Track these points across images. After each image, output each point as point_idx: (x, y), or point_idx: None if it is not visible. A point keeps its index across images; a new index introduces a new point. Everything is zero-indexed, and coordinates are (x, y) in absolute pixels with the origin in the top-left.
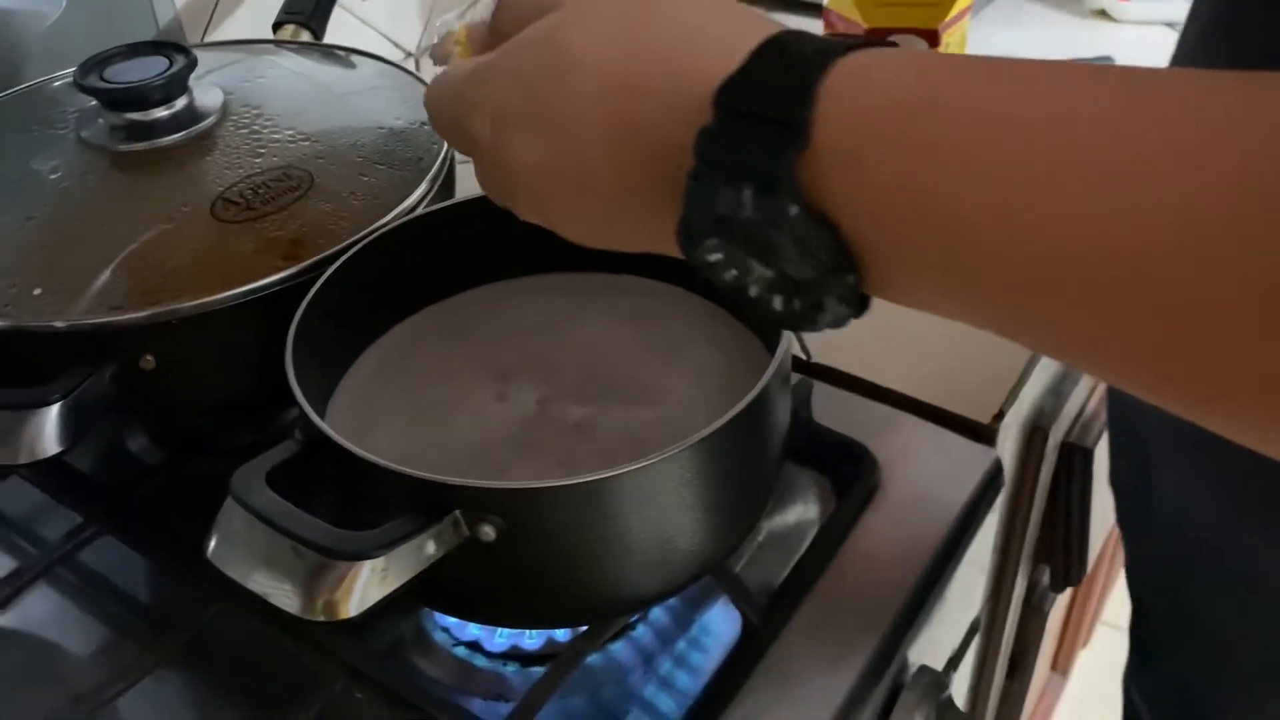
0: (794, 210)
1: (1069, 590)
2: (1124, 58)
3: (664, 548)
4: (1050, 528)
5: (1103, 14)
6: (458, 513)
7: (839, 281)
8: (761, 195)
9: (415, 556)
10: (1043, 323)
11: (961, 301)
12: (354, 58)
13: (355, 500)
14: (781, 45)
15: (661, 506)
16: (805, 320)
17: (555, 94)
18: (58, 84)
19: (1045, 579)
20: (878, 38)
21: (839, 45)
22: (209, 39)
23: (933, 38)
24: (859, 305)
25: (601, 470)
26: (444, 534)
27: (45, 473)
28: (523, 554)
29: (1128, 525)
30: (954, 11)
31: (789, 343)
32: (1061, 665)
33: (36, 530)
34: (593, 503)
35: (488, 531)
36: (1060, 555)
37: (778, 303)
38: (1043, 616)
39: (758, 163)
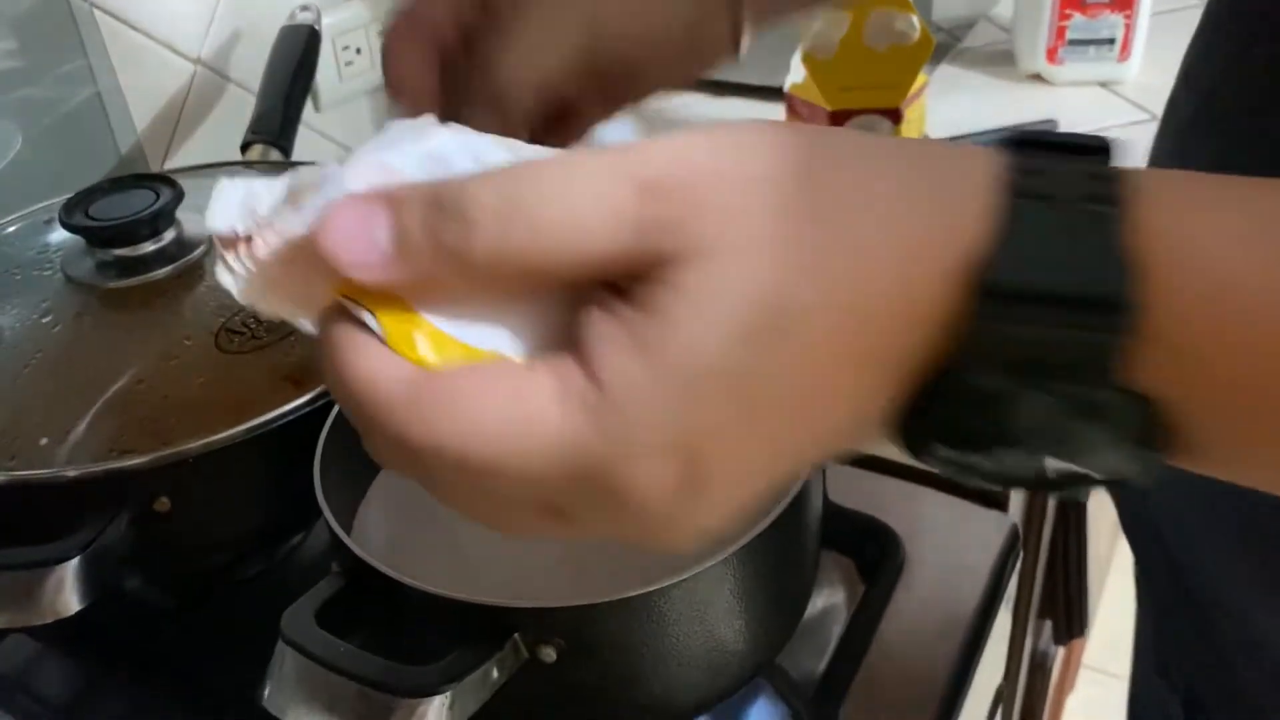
0: (1111, 400)
1: None
2: (1065, 120)
3: (719, 651)
4: (1051, 582)
5: (1037, 77)
6: (517, 635)
7: (1140, 456)
8: (1067, 389)
9: (481, 686)
10: None
11: None
12: None
13: (404, 625)
14: (1034, 195)
15: (718, 609)
16: (1074, 494)
17: (774, 382)
18: (29, 222)
19: (1046, 634)
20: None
21: (1104, 180)
22: (170, 163)
23: (895, 115)
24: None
25: (659, 580)
26: (506, 659)
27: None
28: (583, 670)
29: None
30: (913, 90)
31: None
32: (1053, 715)
33: (37, 689)
34: (651, 612)
35: (549, 652)
36: (1062, 608)
37: (1041, 482)
38: (1046, 672)
39: (1069, 358)
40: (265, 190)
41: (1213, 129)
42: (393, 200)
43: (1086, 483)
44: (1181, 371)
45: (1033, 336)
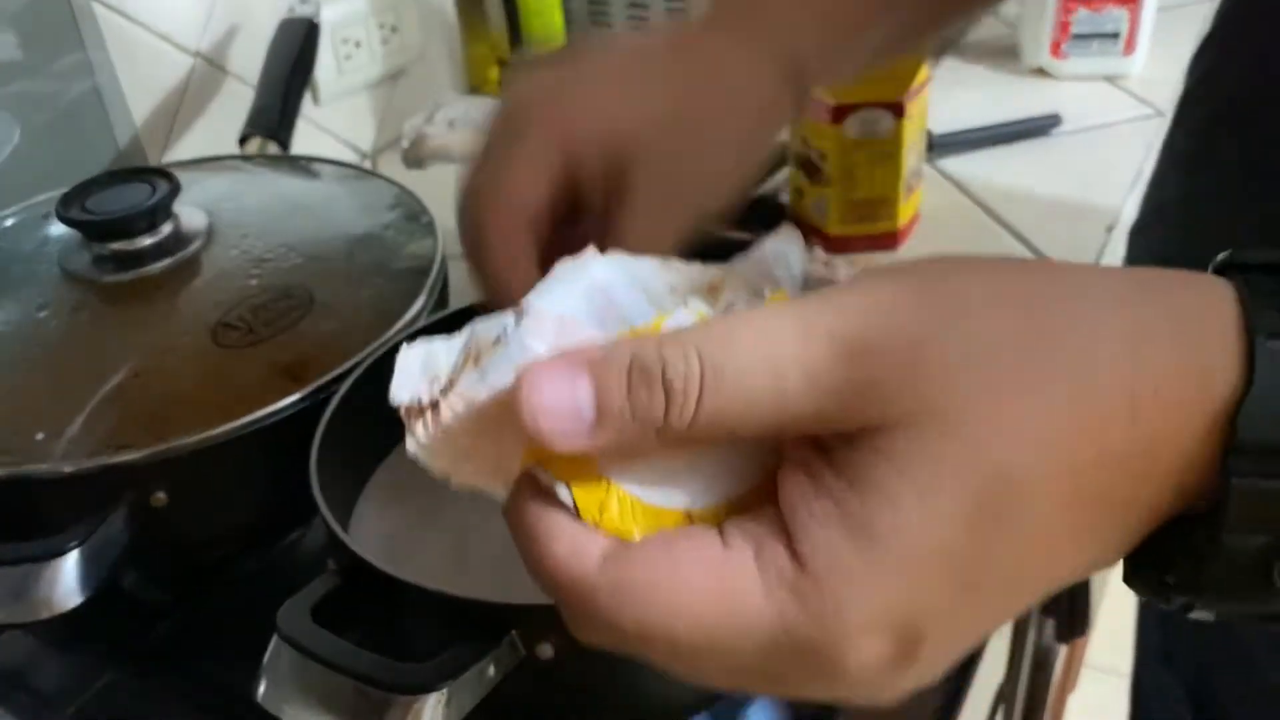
0: None
1: None
2: (1069, 114)
3: None
4: None
5: (1041, 71)
6: (514, 633)
7: None
8: None
9: (477, 683)
10: None
11: None
12: (325, 167)
13: (400, 622)
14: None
15: None
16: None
17: (997, 563)
18: (27, 216)
19: (1049, 631)
20: None
21: None
22: (168, 156)
23: (898, 109)
24: None
25: None
26: (502, 657)
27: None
28: (580, 668)
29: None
30: (916, 83)
31: None
32: (1055, 714)
33: (35, 684)
34: None
35: (546, 650)
36: (1065, 606)
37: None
38: (1048, 671)
39: None
40: (444, 351)
41: (1236, 131)
42: (594, 366)
43: None
44: None
45: None
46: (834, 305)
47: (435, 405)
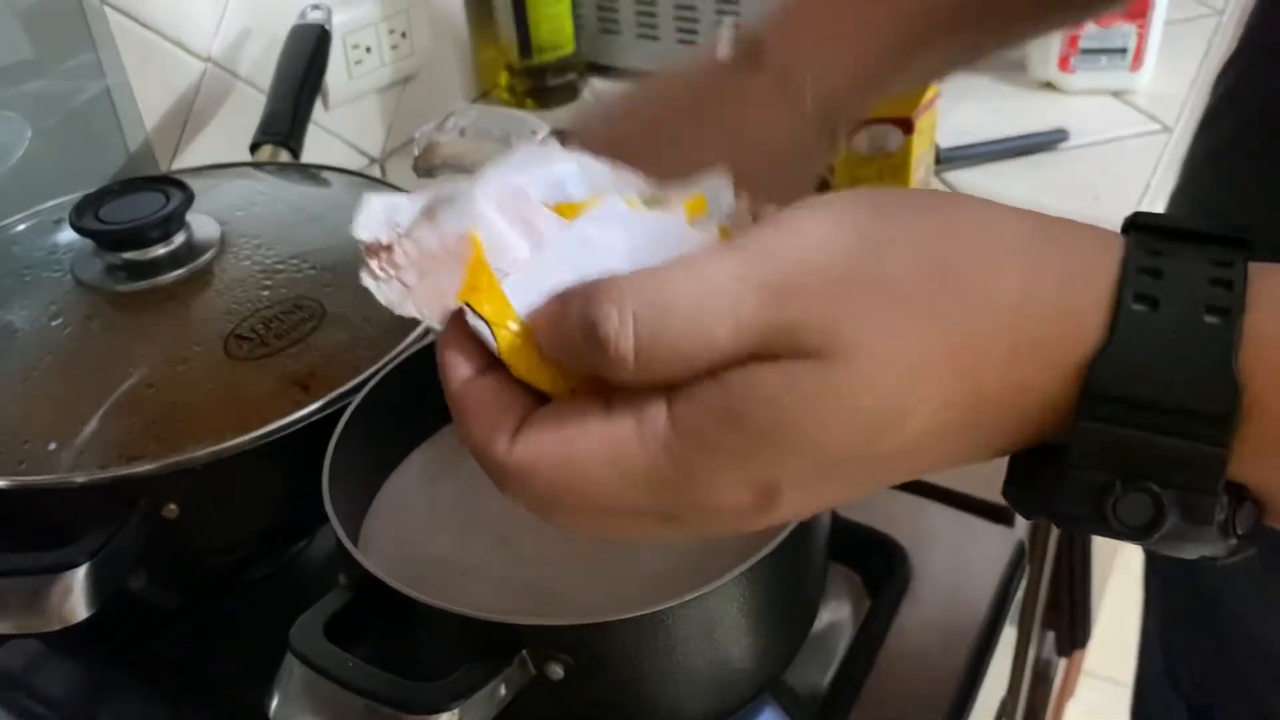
0: (1213, 502)
1: None
2: (1076, 129)
3: (726, 668)
4: (1055, 593)
5: (1048, 86)
6: (525, 652)
7: (1233, 545)
8: (1168, 492)
9: (489, 702)
10: None
11: None
12: (336, 176)
13: (411, 638)
14: (1152, 300)
15: (726, 627)
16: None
17: (868, 466)
18: (39, 221)
19: (1049, 644)
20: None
21: (1223, 286)
22: (179, 161)
23: (907, 125)
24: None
25: (668, 598)
26: (513, 676)
27: None
28: (590, 688)
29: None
30: (925, 99)
31: None
32: None
33: (43, 690)
34: (659, 631)
35: (556, 669)
36: (1066, 620)
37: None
38: (1048, 682)
39: (1174, 462)
40: (407, 205)
41: (1256, 151)
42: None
43: (1176, 552)
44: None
45: (1136, 440)
46: (767, 252)
47: (390, 247)
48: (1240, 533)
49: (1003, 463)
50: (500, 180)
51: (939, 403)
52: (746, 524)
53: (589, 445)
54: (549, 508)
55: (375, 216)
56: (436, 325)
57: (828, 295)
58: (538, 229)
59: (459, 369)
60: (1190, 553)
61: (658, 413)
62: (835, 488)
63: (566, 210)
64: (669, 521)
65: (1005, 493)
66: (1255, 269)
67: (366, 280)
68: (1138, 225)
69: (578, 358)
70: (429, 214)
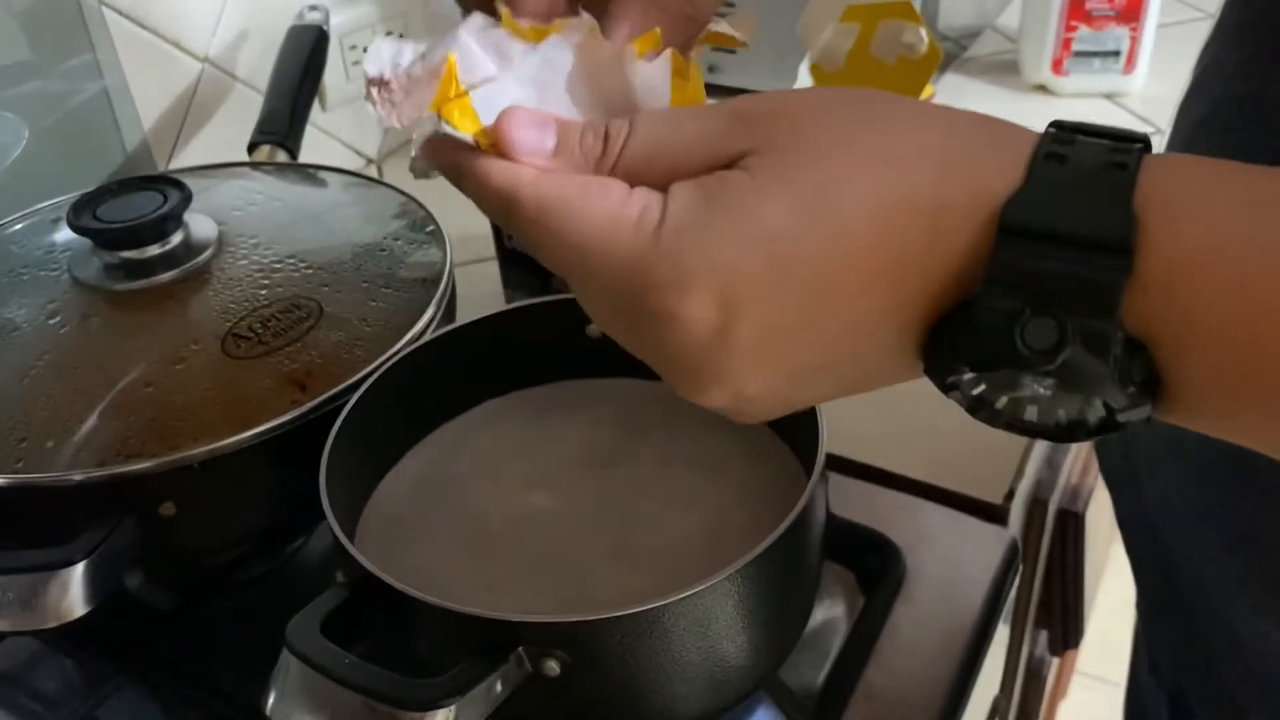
0: (1109, 333)
1: None
2: None
3: (721, 666)
4: (1048, 593)
5: (1042, 88)
6: (521, 649)
7: (1135, 407)
8: (1072, 317)
9: (485, 699)
10: None
11: (1270, 434)
12: (333, 176)
13: (408, 635)
14: (1061, 157)
15: (721, 625)
16: (1071, 435)
17: (806, 255)
18: (37, 220)
19: (1042, 643)
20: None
21: (1126, 149)
22: (176, 161)
23: None
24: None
25: (663, 596)
26: (510, 672)
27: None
28: (585, 685)
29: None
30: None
31: (825, 441)
32: None
33: (40, 688)
34: (655, 628)
35: (552, 666)
36: (1059, 619)
37: (1045, 419)
38: (1041, 681)
39: (1076, 289)
40: (410, 50)
41: (1223, 130)
42: (560, 121)
43: (1084, 429)
44: (1175, 318)
45: (1043, 269)
46: (738, 98)
47: (389, 81)
48: (1136, 380)
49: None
50: (482, 18)
51: (875, 199)
52: (696, 355)
53: (598, 205)
54: (531, 237)
55: (381, 56)
56: (419, 130)
57: (781, 112)
58: (506, 54)
59: (462, 151)
60: (1091, 393)
61: (655, 203)
62: (782, 309)
63: (534, 34)
64: (624, 319)
65: (926, 365)
66: (1150, 154)
67: (369, 107)
68: (1053, 123)
69: (574, 148)
70: (423, 57)
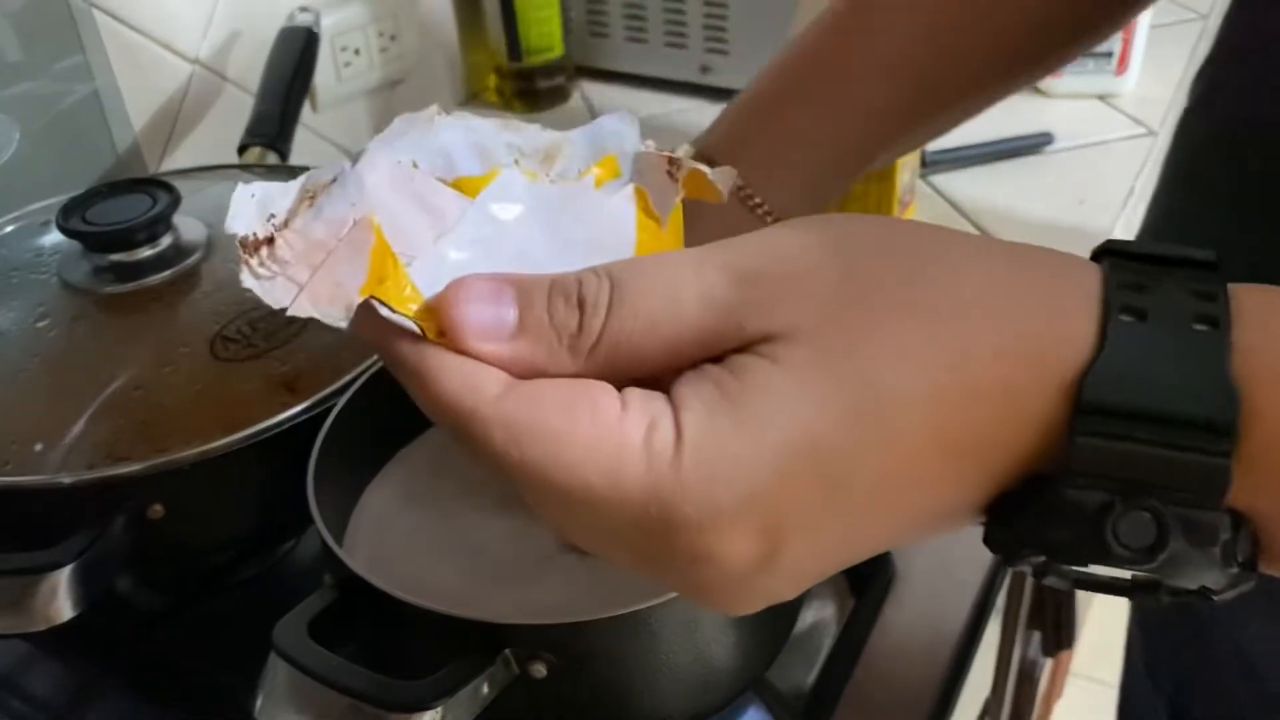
0: (1214, 520)
1: None
2: (1061, 132)
3: (709, 667)
4: (1040, 594)
5: (1034, 89)
6: (508, 651)
7: (1236, 586)
8: (1169, 509)
9: (472, 701)
10: None
11: None
12: None
13: (395, 637)
14: (1140, 312)
15: (708, 626)
16: (1155, 601)
17: (862, 464)
18: (25, 223)
19: (1035, 644)
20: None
21: (1206, 287)
22: (167, 163)
23: None
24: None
25: (650, 597)
26: (497, 674)
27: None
28: (573, 687)
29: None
30: None
31: None
32: None
33: (29, 690)
34: (642, 629)
35: (539, 668)
36: (1051, 620)
37: (1127, 592)
38: (1034, 683)
39: (1176, 477)
40: (280, 193)
41: (1225, 160)
42: (518, 282)
43: (1172, 593)
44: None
45: (1133, 453)
46: (732, 245)
47: (270, 240)
48: (1240, 560)
49: None
50: (386, 156)
51: (932, 389)
52: (735, 586)
53: (591, 429)
54: (503, 470)
55: (247, 208)
56: (342, 324)
57: (798, 277)
58: (438, 208)
59: (404, 342)
60: (1190, 581)
61: (663, 417)
62: (838, 521)
63: (465, 185)
64: (638, 557)
65: (987, 537)
66: (1232, 288)
67: (247, 280)
68: (1110, 251)
69: (543, 320)
70: (309, 200)
